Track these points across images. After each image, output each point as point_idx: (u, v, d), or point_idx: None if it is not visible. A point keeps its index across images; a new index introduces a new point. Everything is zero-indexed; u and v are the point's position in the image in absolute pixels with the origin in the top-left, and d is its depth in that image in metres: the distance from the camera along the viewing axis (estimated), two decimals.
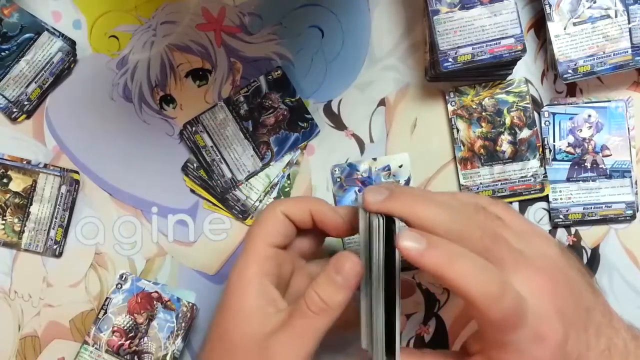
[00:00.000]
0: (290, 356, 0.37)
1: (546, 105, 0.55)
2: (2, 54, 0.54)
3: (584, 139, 0.54)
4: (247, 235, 0.42)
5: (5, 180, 0.55)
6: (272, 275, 0.40)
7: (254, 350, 0.37)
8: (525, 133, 0.54)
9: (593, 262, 0.55)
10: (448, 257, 0.33)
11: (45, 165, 0.55)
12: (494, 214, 0.38)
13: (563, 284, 0.36)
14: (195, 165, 0.55)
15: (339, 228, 0.42)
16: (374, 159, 0.55)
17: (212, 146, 0.55)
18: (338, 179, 0.55)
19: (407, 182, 0.55)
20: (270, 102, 0.55)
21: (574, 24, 0.52)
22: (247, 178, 0.55)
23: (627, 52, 0.51)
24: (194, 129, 0.55)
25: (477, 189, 0.54)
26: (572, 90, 0.55)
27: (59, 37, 0.55)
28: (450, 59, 0.51)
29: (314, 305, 0.37)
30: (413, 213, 0.36)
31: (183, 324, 0.54)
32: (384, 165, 0.55)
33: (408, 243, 0.33)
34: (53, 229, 0.55)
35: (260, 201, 0.55)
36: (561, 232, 0.55)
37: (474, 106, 0.55)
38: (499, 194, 0.54)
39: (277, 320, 0.38)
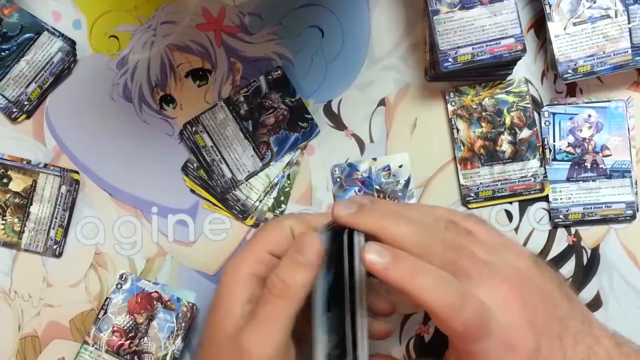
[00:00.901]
0: (260, 346, 0.37)
1: (546, 105, 0.55)
2: (2, 54, 0.54)
3: (584, 139, 0.54)
4: (250, 238, 0.42)
5: (5, 180, 0.55)
6: (261, 278, 0.40)
7: (228, 346, 0.38)
8: (525, 133, 0.54)
9: (593, 262, 0.55)
10: (410, 272, 0.34)
11: (45, 165, 0.55)
12: (464, 228, 0.38)
13: (533, 294, 0.36)
14: (195, 165, 0.55)
15: None
16: (374, 159, 0.55)
17: (212, 146, 0.55)
18: (338, 179, 0.55)
19: (407, 182, 0.55)
20: (270, 102, 0.55)
21: (574, 24, 0.52)
22: (247, 178, 0.55)
23: (627, 52, 0.51)
24: (194, 129, 0.55)
25: (477, 189, 0.54)
26: (572, 90, 0.55)
27: (59, 37, 0.55)
28: (450, 59, 0.51)
29: (275, 288, 0.37)
30: (380, 228, 0.37)
31: (183, 324, 0.54)
32: (384, 165, 0.55)
33: (373, 257, 0.34)
34: (53, 229, 0.55)
35: (260, 201, 0.55)
36: (561, 232, 0.55)
37: (474, 106, 0.55)
38: (499, 194, 0.54)
39: (248, 314, 0.38)
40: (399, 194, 0.54)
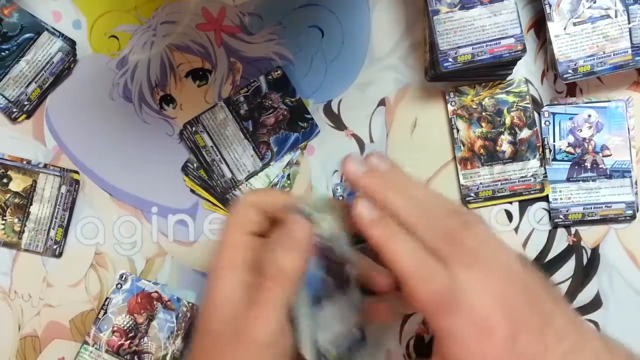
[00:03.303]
0: (261, 329, 0.37)
1: (546, 105, 0.55)
2: (2, 54, 0.54)
3: (584, 139, 0.54)
4: (222, 228, 0.42)
5: (5, 180, 0.55)
6: (248, 261, 0.40)
7: (229, 331, 0.38)
8: (525, 133, 0.54)
9: (593, 262, 0.55)
10: (391, 234, 0.36)
11: (45, 165, 0.55)
12: (465, 221, 0.39)
13: (516, 290, 0.36)
14: (195, 165, 0.55)
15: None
16: None
17: (212, 146, 0.55)
18: (340, 198, 0.55)
19: None
20: (270, 102, 0.55)
21: (574, 24, 0.52)
22: (247, 178, 0.55)
23: (627, 52, 0.51)
24: (194, 129, 0.55)
25: (477, 189, 0.54)
26: (572, 90, 0.55)
27: (59, 37, 0.55)
28: (450, 59, 0.51)
29: (269, 273, 0.38)
30: (380, 195, 0.38)
31: (183, 324, 0.54)
32: None
33: (363, 210, 0.36)
34: (53, 229, 0.55)
35: None
36: (561, 232, 0.55)
37: (474, 106, 0.55)
38: (499, 194, 0.54)
39: (247, 300, 0.39)
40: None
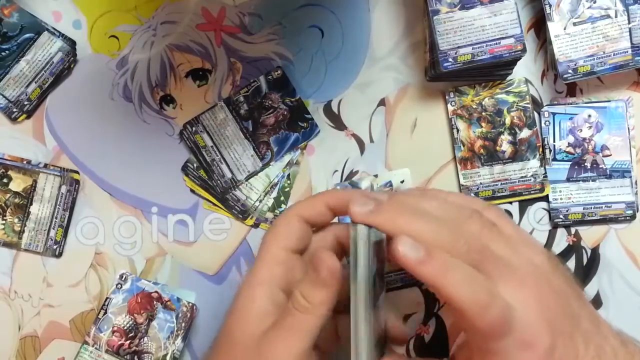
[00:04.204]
0: (282, 354, 0.37)
1: (546, 105, 0.55)
2: (2, 54, 0.54)
3: (584, 139, 0.54)
4: (262, 241, 0.42)
5: (5, 180, 0.55)
6: (281, 279, 0.41)
7: (250, 349, 0.38)
8: (525, 133, 0.54)
9: (593, 262, 0.55)
10: (443, 267, 0.34)
11: (45, 165, 0.55)
12: (488, 220, 0.38)
13: (549, 293, 0.36)
14: (195, 165, 0.55)
15: None
16: (375, 176, 0.55)
17: (212, 146, 0.55)
18: None
19: None
20: (270, 102, 0.55)
21: (574, 24, 0.52)
22: (247, 178, 0.55)
23: (627, 52, 0.51)
24: (194, 129, 0.55)
25: (477, 189, 0.54)
26: (572, 90, 0.55)
27: (59, 37, 0.55)
28: (450, 59, 0.51)
29: (297, 303, 0.38)
30: (398, 228, 0.36)
31: (183, 324, 0.54)
32: (385, 181, 0.55)
33: (406, 250, 0.34)
34: (53, 229, 0.55)
35: (260, 201, 0.55)
36: (561, 232, 0.55)
37: (474, 106, 0.55)
38: (499, 194, 0.54)
39: (273, 320, 0.39)
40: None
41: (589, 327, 0.37)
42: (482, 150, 0.54)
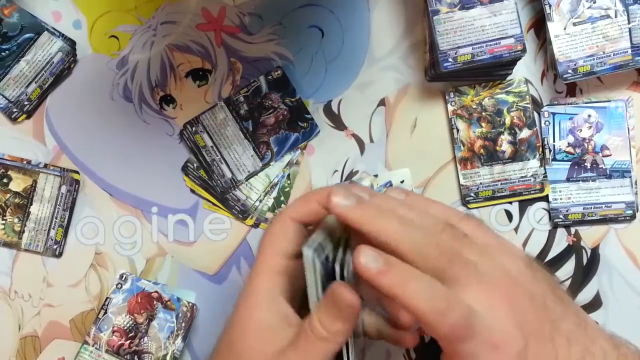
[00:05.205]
0: None
1: (546, 105, 0.55)
2: (2, 54, 0.54)
3: (584, 139, 0.54)
4: (258, 248, 0.42)
5: (5, 180, 0.55)
6: (284, 289, 0.40)
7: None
8: (525, 133, 0.54)
9: (593, 262, 0.55)
10: (402, 278, 0.35)
11: (45, 165, 0.55)
12: (461, 231, 0.38)
13: (522, 298, 0.36)
14: (195, 165, 0.55)
15: None
16: (375, 176, 0.55)
17: (212, 146, 0.55)
18: None
19: None
20: (270, 102, 0.55)
21: (574, 24, 0.52)
22: (247, 178, 0.55)
23: (627, 52, 0.51)
24: (194, 129, 0.55)
25: (477, 189, 0.54)
26: (572, 90, 0.55)
27: (59, 37, 0.55)
28: (450, 59, 0.51)
29: (315, 330, 0.37)
30: (373, 227, 0.36)
31: (183, 324, 0.54)
32: (385, 181, 0.55)
33: (367, 260, 0.35)
34: (53, 229, 0.55)
35: (260, 201, 0.55)
36: (561, 232, 0.55)
37: (474, 106, 0.55)
38: (499, 194, 0.54)
39: (286, 337, 0.38)
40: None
41: (574, 330, 0.37)
42: (482, 150, 0.54)
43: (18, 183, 0.55)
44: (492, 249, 0.38)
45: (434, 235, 0.37)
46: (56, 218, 0.55)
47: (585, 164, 0.54)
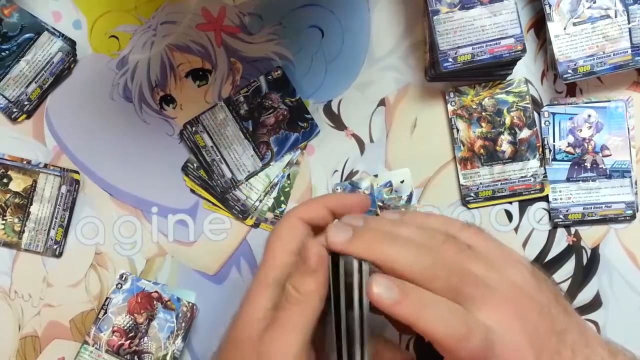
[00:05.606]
0: (280, 351, 0.37)
1: (546, 105, 0.55)
2: (2, 54, 0.54)
3: (584, 139, 0.54)
4: (266, 245, 0.42)
5: (5, 180, 0.55)
6: (281, 281, 0.40)
7: (249, 349, 0.38)
8: (525, 133, 0.54)
9: (593, 262, 0.55)
10: (418, 305, 0.34)
11: (45, 165, 0.55)
12: (464, 243, 0.38)
13: (532, 311, 0.36)
14: (195, 165, 0.55)
15: (363, 204, 0.43)
16: (375, 176, 0.55)
17: (212, 146, 0.55)
18: None
19: (410, 197, 0.55)
20: (270, 102, 0.55)
21: (574, 24, 0.52)
22: (247, 178, 0.55)
23: (627, 52, 0.51)
24: (194, 129, 0.55)
25: (477, 189, 0.54)
26: (572, 90, 0.55)
27: (59, 37, 0.55)
28: (450, 59, 0.51)
29: (289, 296, 0.38)
30: (378, 256, 0.36)
31: (183, 324, 0.54)
32: (385, 181, 0.55)
33: (380, 291, 0.34)
34: (53, 229, 0.55)
35: (260, 201, 0.55)
36: (561, 232, 0.55)
37: (474, 106, 0.55)
38: (499, 194, 0.54)
39: (270, 320, 0.39)
40: (402, 209, 0.54)
41: (577, 340, 0.37)
42: (482, 150, 0.54)
43: (18, 183, 0.55)
44: (497, 260, 0.38)
45: (439, 253, 0.37)
46: (56, 218, 0.55)
47: (585, 164, 0.54)
